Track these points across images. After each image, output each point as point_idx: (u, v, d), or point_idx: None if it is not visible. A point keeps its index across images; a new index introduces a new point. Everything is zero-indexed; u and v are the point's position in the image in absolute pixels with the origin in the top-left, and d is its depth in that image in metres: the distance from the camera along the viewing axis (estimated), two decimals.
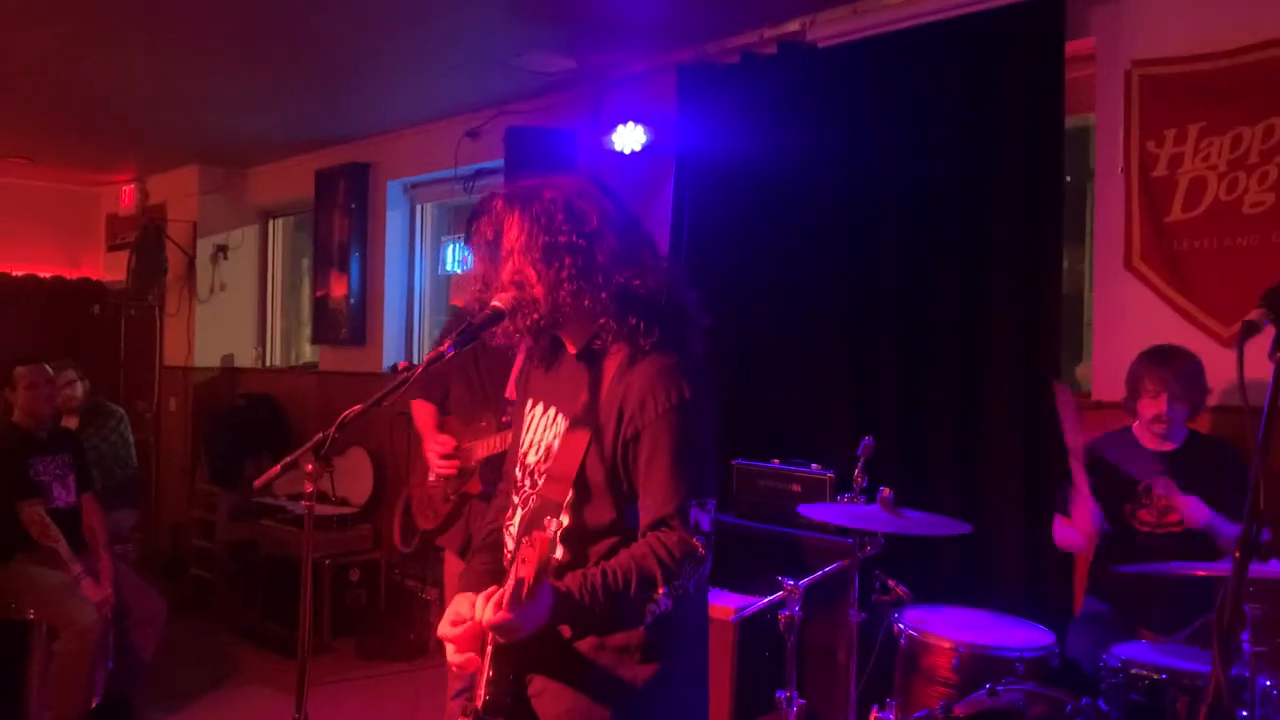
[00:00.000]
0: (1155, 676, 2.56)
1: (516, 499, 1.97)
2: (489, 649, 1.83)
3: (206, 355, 7.95)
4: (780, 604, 3.06)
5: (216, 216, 7.89)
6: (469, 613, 1.83)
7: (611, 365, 1.89)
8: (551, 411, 1.97)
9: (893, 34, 4.07)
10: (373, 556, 6.03)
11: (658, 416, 1.80)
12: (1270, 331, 1.19)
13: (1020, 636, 2.99)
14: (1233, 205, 3.36)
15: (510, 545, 1.97)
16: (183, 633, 5.23)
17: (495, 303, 1.86)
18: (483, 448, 3.27)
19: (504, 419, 3.19)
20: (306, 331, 7.72)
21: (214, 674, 5.10)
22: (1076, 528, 3.25)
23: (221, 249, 7.89)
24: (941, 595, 3.39)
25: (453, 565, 3.45)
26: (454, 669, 1.90)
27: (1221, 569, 2.43)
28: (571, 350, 1.97)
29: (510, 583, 1.66)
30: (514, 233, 1.88)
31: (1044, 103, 3.66)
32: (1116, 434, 3.38)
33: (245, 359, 8.06)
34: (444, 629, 1.90)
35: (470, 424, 3.37)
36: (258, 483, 1.95)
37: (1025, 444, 3.71)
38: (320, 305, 7.09)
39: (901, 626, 3.11)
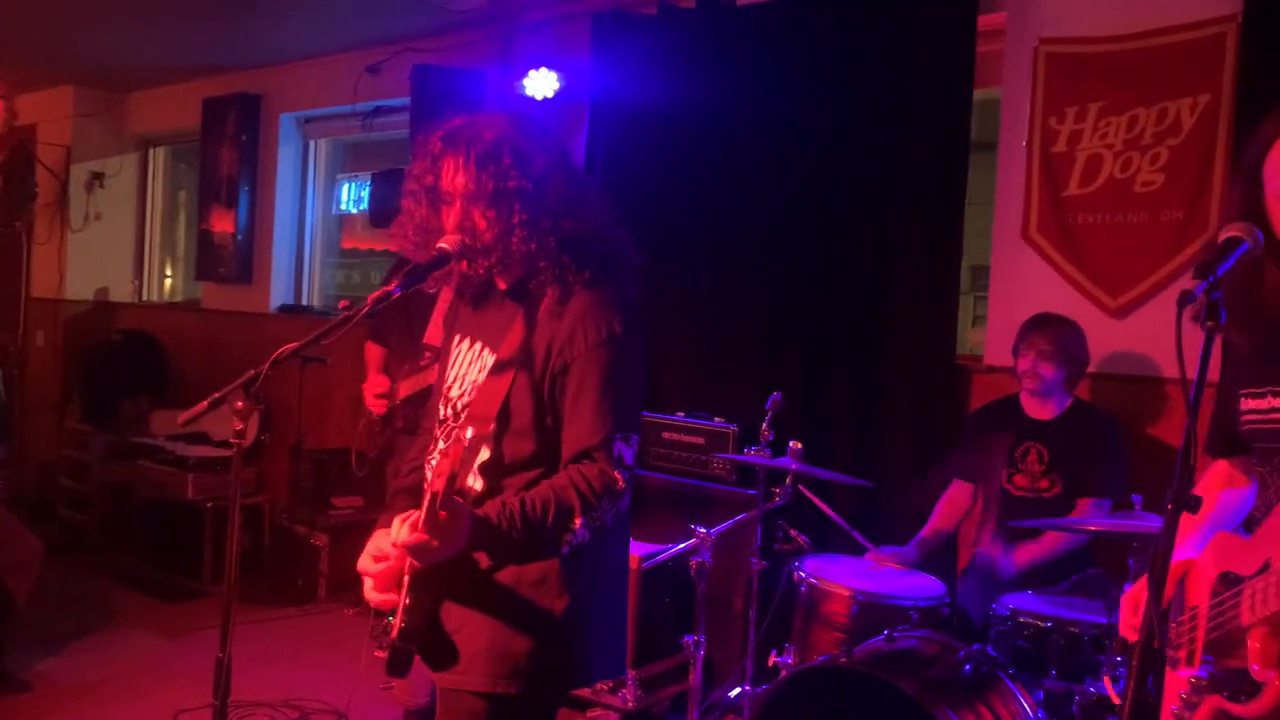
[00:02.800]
0: (1040, 624, 2.73)
1: (439, 433, 1.96)
2: (406, 578, 1.82)
3: (79, 288, 7.56)
4: (691, 551, 3.13)
5: (92, 142, 7.47)
6: (390, 548, 1.82)
7: (543, 301, 1.88)
8: (478, 347, 1.96)
9: None
10: (256, 500, 5.87)
11: (588, 350, 1.82)
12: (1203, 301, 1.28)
13: (914, 586, 3.13)
14: (1125, 183, 3.53)
15: (430, 478, 1.96)
16: (56, 575, 5.00)
17: (442, 244, 1.83)
18: (405, 387, 3.43)
19: (421, 362, 3.23)
20: (183, 267, 7.40)
21: (91, 618, 4.91)
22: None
23: (97, 176, 7.48)
24: (838, 547, 3.52)
25: None
26: (371, 605, 1.88)
27: (1110, 524, 2.59)
28: (502, 286, 1.96)
29: (425, 501, 1.66)
30: (459, 177, 1.84)
31: (955, 74, 3.77)
32: (1002, 401, 3.53)
33: (121, 293, 7.70)
34: (364, 563, 1.89)
35: (403, 364, 3.54)
36: (182, 418, 1.89)
37: (919, 409, 3.85)
38: (204, 240, 6.80)
39: (802, 575, 3.20)
